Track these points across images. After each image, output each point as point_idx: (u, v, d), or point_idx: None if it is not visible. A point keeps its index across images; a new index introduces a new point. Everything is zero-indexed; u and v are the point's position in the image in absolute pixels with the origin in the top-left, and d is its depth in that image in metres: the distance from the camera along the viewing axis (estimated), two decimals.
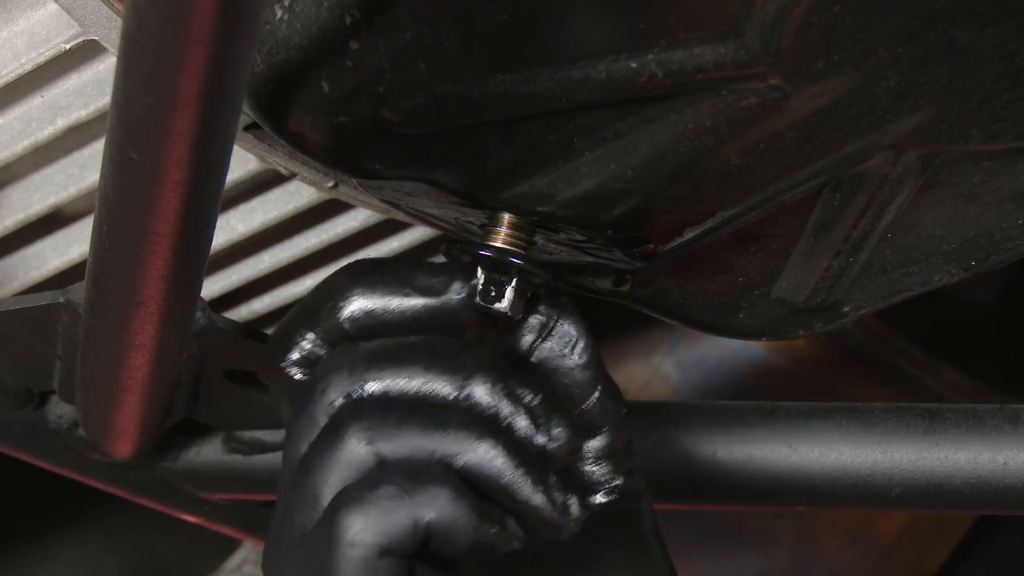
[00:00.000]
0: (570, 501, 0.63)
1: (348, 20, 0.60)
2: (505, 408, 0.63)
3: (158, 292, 0.64)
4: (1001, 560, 1.45)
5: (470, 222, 0.72)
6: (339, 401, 0.63)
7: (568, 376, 0.66)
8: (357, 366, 0.64)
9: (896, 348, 1.31)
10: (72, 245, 0.88)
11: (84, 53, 0.77)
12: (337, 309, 0.65)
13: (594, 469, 0.66)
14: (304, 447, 0.64)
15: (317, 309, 0.66)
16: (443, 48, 0.60)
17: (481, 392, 0.63)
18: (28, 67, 0.76)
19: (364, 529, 0.59)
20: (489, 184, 0.67)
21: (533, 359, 0.66)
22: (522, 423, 0.63)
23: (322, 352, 0.66)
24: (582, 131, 0.63)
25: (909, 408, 0.83)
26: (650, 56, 0.59)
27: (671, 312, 0.78)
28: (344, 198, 0.84)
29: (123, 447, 0.81)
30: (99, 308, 0.68)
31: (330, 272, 0.93)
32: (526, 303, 0.66)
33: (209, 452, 0.90)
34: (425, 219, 0.77)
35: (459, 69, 0.61)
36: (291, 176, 0.81)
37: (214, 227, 0.63)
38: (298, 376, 0.66)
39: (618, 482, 0.66)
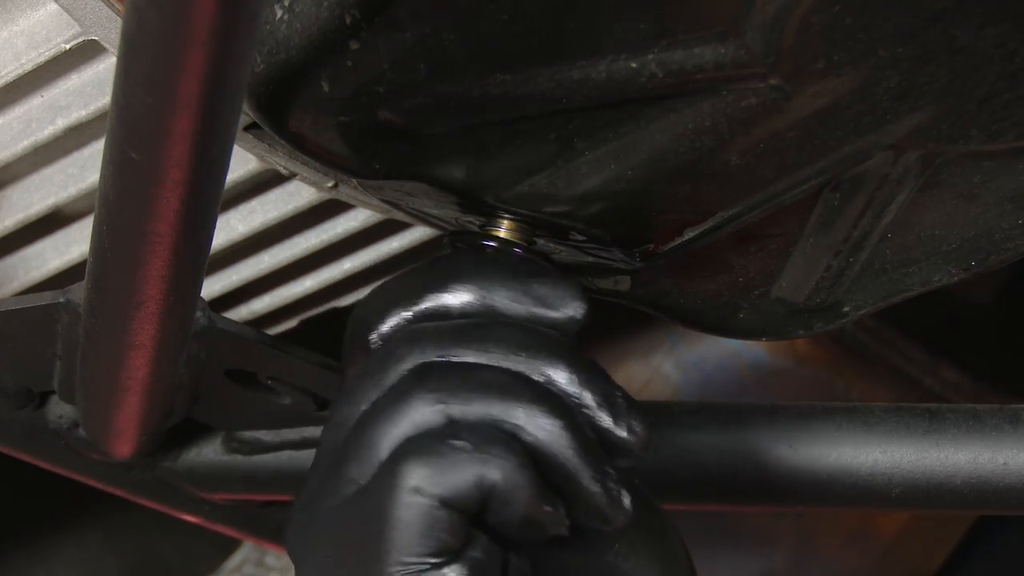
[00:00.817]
0: (623, 493, 0.63)
1: (348, 20, 0.60)
2: (589, 397, 0.63)
3: (158, 292, 0.64)
4: (1001, 560, 1.45)
5: (470, 222, 0.72)
6: (414, 366, 0.63)
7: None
8: (442, 339, 0.63)
9: (896, 348, 1.31)
10: (72, 245, 0.88)
11: (84, 53, 0.77)
12: (449, 295, 0.65)
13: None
14: (361, 407, 0.63)
15: (423, 290, 0.65)
16: (443, 48, 0.60)
17: (561, 376, 0.63)
18: (28, 67, 0.76)
19: (428, 477, 0.58)
20: (489, 184, 0.67)
21: None
22: (605, 415, 0.63)
23: None
24: (582, 131, 0.63)
25: (909, 408, 0.83)
26: (650, 56, 0.59)
27: (671, 312, 0.78)
28: (344, 198, 0.84)
29: (123, 447, 0.81)
30: (99, 308, 0.68)
31: (330, 272, 0.94)
32: None
33: (209, 452, 0.90)
34: (425, 219, 0.77)
35: (459, 69, 0.61)
36: (291, 176, 0.81)
37: (214, 227, 0.63)
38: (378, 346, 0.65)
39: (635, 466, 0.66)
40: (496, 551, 0.61)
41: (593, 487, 0.62)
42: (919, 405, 0.83)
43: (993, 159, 0.66)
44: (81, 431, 0.85)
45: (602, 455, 0.63)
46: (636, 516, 0.63)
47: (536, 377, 0.63)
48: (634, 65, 0.59)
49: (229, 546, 1.38)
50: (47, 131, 0.79)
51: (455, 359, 0.63)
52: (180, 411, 0.82)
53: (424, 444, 0.60)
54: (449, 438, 0.59)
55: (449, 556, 0.59)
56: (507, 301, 0.65)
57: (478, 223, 0.71)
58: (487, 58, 0.60)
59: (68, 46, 0.74)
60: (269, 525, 0.98)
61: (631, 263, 0.71)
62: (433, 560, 0.59)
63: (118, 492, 0.92)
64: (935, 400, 1.15)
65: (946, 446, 0.81)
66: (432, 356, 0.63)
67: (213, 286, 0.92)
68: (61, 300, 0.76)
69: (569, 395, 0.63)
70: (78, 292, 0.76)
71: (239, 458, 0.90)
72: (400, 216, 0.85)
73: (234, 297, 0.95)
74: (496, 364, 0.63)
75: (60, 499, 1.26)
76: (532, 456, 0.61)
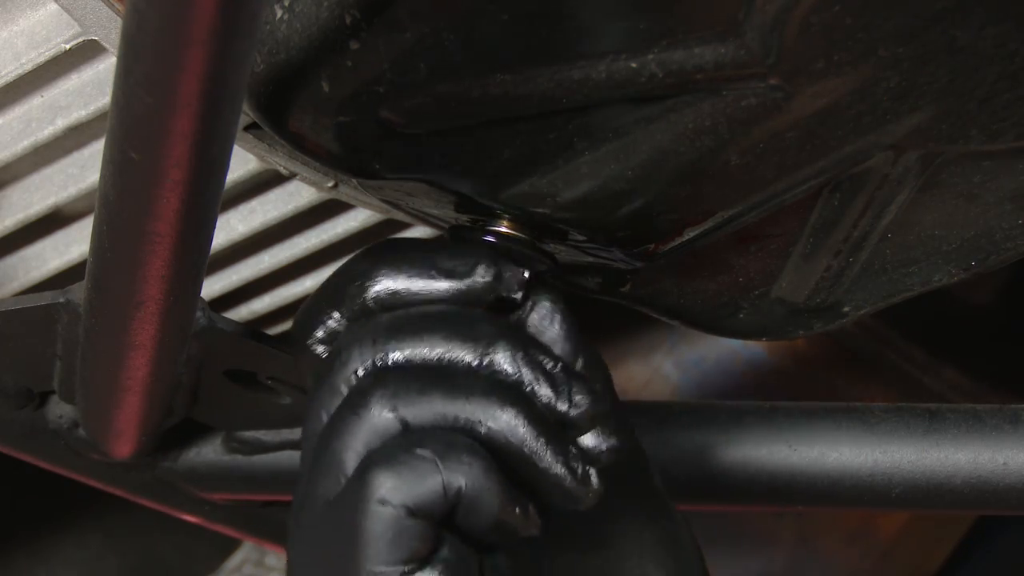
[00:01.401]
0: (590, 470, 0.63)
1: (348, 20, 0.60)
2: (527, 375, 0.63)
3: (158, 292, 0.64)
4: (1001, 560, 1.45)
5: (468, 222, 0.72)
6: (361, 370, 0.63)
7: (553, 346, 0.67)
8: (379, 336, 0.64)
9: (896, 348, 1.31)
10: (72, 245, 0.88)
11: (84, 53, 0.77)
12: (363, 289, 0.65)
13: (588, 437, 0.66)
14: (325, 418, 0.64)
15: (342, 289, 0.66)
16: (443, 48, 0.60)
17: (502, 358, 0.63)
18: (28, 67, 0.76)
19: (395, 488, 0.59)
20: (489, 184, 0.67)
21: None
22: (545, 390, 0.63)
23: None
24: (582, 131, 0.63)
25: (909, 408, 0.83)
26: (650, 56, 0.59)
27: (671, 312, 0.78)
28: (344, 198, 0.84)
29: (123, 447, 0.81)
30: (99, 308, 0.68)
31: (330, 272, 0.94)
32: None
33: (209, 452, 0.90)
34: (425, 219, 0.77)
35: (459, 69, 0.61)
36: (291, 176, 0.81)
37: (214, 227, 0.63)
38: (322, 352, 0.66)
39: (613, 442, 0.66)
40: (467, 552, 0.61)
41: (556, 468, 0.62)
42: (919, 405, 0.83)
43: (993, 159, 0.66)
44: (81, 431, 0.85)
45: (560, 434, 0.63)
46: (601, 493, 0.63)
47: (480, 361, 0.63)
48: (634, 65, 0.59)
49: (229, 546, 1.38)
50: (47, 131, 0.79)
51: (398, 354, 0.63)
52: (180, 411, 0.82)
53: (387, 454, 0.60)
54: (412, 446, 0.60)
55: (419, 563, 0.60)
56: (421, 282, 0.65)
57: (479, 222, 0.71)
58: (487, 58, 0.60)
59: (68, 46, 0.74)
60: (269, 525, 0.98)
61: (631, 263, 0.71)
62: (404, 568, 0.59)
63: (118, 492, 0.92)
64: (935, 400, 1.15)
65: (946, 446, 0.81)
66: (372, 356, 0.63)
67: (213, 286, 0.92)
68: (61, 300, 0.76)
69: (511, 376, 0.63)
70: (78, 292, 0.76)
71: (239, 458, 0.90)
72: (400, 216, 0.85)
73: (234, 297, 0.95)
74: (438, 356, 0.63)
75: (60, 499, 1.27)
76: (491, 446, 0.61)
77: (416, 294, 0.65)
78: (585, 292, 0.78)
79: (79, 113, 0.78)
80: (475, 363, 0.63)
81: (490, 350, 0.63)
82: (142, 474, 0.90)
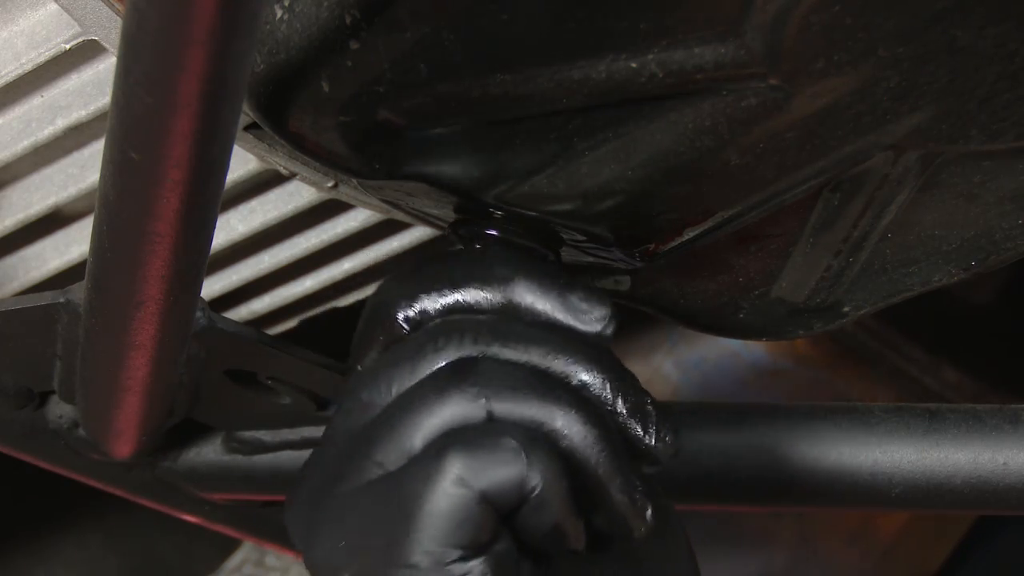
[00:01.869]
0: (648, 505, 0.64)
1: (348, 20, 0.60)
2: (617, 400, 0.64)
3: (158, 292, 0.64)
4: (1001, 560, 1.45)
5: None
6: (452, 359, 0.63)
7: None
8: (481, 334, 0.63)
9: (896, 348, 1.31)
10: (72, 245, 0.88)
11: (84, 53, 0.77)
12: (484, 287, 0.65)
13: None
14: (392, 392, 0.63)
15: (462, 279, 0.65)
16: (443, 48, 0.60)
17: (598, 382, 0.63)
18: (28, 67, 0.76)
19: (473, 470, 0.59)
20: (489, 184, 0.67)
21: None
22: (636, 426, 0.64)
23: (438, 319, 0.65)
24: (582, 131, 0.63)
25: (909, 408, 0.83)
26: (650, 56, 0.59)
27: (671, 312, 0.78)
28: (344, 198, 0.84)
29: (123, 447, 0.81)
30: (99, 308, 0.68)
31: (330, 272, 0.94)
32: None
33: (209, 452, 0.90)
34: (425, 219, 0.77)
35: (459, 69, 0.61)
36: (291, 176, 0.81)
37: (214, 227, 0.63)
38: (406, 329, 0.65)
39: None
40: (515, 554, 0.61)
41: (620, 497, 0.63)
42: (919, 405, 0.83)
43: (993, 159, 0.66)
44: (81, 431, 0.85)
45: (629, 464, 0.64)
46: (656, 526, 0.64)
47: (573, 381, 0.63)
48: (634, 65, 0.59)
49: (229, 546, 1.38)
50: (47, 131, 0.79)
51: (495, 356, 0.63)
52: (180, 411, 0.82)
53: (469, 437, 0.60)
54: (495, 435, 0.59)
55: (476, 550, 0.59)
56: (540, 307, 0.65)
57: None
58: (487, 58, 0.60)
59: (68, 46, 0.74)
60: (269, 525, 0.98)
61: (631, 263, 0.71)
62: (460, 552, 0.59)
63: (118, 492, 0.92)
64: (935, 400, 1.15)
65: (946, 446, 0.81)
66: (470, 351, 0.63)
67: (213, 286, 0.92)
68: (61, 300, 0.76)
69: (603, 401, 0.64)
70: (78, 292, 0.76)
71: (239, 458, 0.90)
72: (400, 216, 0.85)
73: (234, 297, 0.95)
74: (536, 363, 0.63)
75: (60, 499, 1.27)
76: (567, 457, 0.61)
77: (539, 314, 0.65)
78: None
79: (79, 113, 0.78)
80: (570, 380, 0.63)
81: (586, 371, 0.64)
82: (142, 474, 0.90)
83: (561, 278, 0.66)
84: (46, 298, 0.77)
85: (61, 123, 0.79)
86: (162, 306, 0.65)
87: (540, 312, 0.65)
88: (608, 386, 0.64)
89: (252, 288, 0.94)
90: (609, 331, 0.66)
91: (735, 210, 0.68)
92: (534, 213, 0.68)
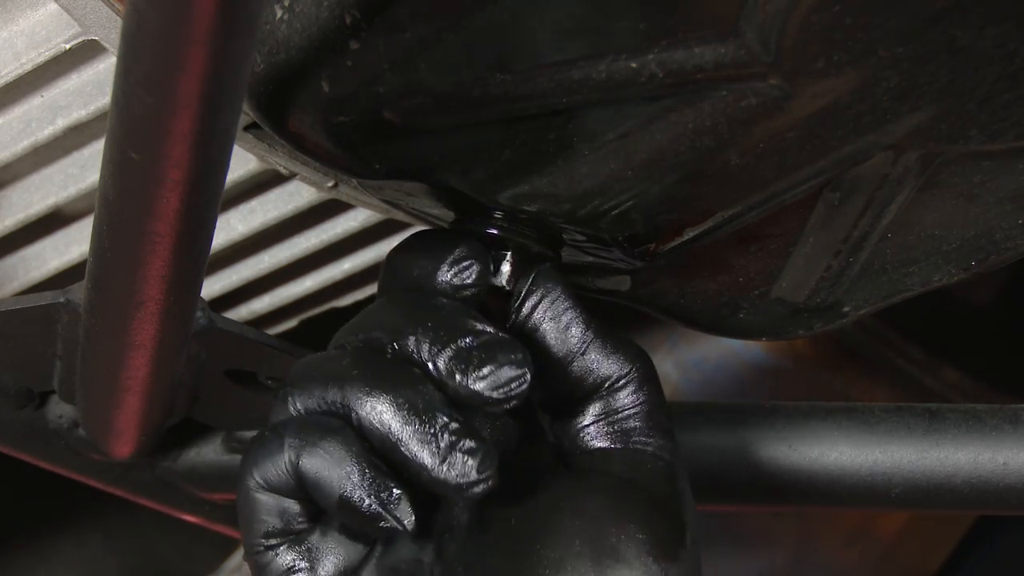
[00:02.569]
0: (468, 460, 0.61)
1: (348, 20, 0.60)
2: (441, 362, 0.63)
3: (158, 292, 0.64)
4: (1001, 560, 1.45)
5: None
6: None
7: (550, 334, 0.68)
8: (343, 332, 0.67)
9: (896, 348, 1.31)
10: (72, 245, 0.88)
11: (84, 53, 0.77)
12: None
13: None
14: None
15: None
16: (443, 48, 0.60)
17: (413, 344, 0.64)
18: (28, 67, 0.76)
19: (251, 464, 0.64)
20: (489, 184, 0.67)
21: (528, 323, 0.68)
22: (456, 377, 0.62)
23: None
24: (582, 131, 0.63)
25: (909, 408, 0.83)
26: (650, 56, 0.59)
27: (671, 312, 0.78)
28: (344, 198, 0.84)
29: (123, 447, 0.81)
30: (99, 308, 0.68)
31: (330, 272, 0.94)
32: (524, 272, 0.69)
33: (209, 452, 0.90)
34: (425, 219, 0.77)
35: (459, 69, 0.61)
36: (291, 176, 0.81)
37: (214, 227, 0.63)
38: None
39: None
40: (337, 539, 0.66)
41: (419, 456, 0.61)
42: (919, 405, 0.83)
43: (993, 159, 0.66)
44: (81, 431, 0.85)
45: (440, 420, 0.61)
46: (487, 483, 0.61)
47: (388, 350, 0.64)
48: (634, 65, 0.59)
49: (229, 546, 1.38)
50: (47, 131, 0.79)
51: (341, 345, 0.66)
52: (180, 411, 0.82)
53: (259, 437, 0.64)
54: (275, 430, 0.64)
55: (283, 540, 0.65)
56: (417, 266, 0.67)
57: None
58: (487, 58, 0.60)
59: (68, 46, 0.74)
60: None
61: (631, 263, 0.71)
62: (267, 542, 0.65)
63: (118, 492, 0.92)
64: (935, 400, 1.15)
65: (946, 446, 0.81)
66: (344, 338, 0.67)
67: (213, 286, 0.92)
68: (61, 300, 0.76)
69: (414, 361, 0.63)
70: (78, 292, 0.76)
71: (239, 458, 0.89)
72: (400, 216, 0.85)
73: (234, 297, 0.95)
74: (357, 340, 0.65)
75: (60, 499, 1.26)
76: (366, 434, 0.62)
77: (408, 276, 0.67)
78: (585, 292, 0.78)
79: (79, 113, 0.78)
80: (386, 346, 0.64)
81: (402, 335, 0.64)
82: (142, 474, 0.90)
83: (429, 237, 0.69)
84: (46, 298, 0.77)
85: (61, 123, 0.79)
86: (162, 306, 0.65)
87: (405, 275, 0.68)
88: (414, 340, 0.63)
89: (252, 288, 0.94)
90: (468, 278, 0.66)
91: (735, 210, 0.68)
92: (534, 213, 0.68)
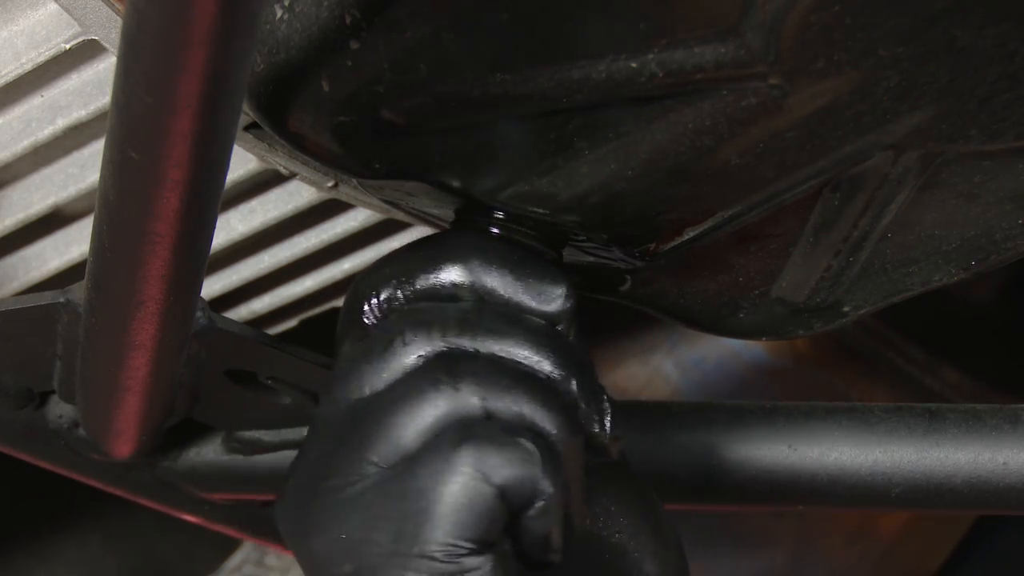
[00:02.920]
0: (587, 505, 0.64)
1: (348, 20, 0.60)
2: (584, 402, 0.64)
3: (158, 292, 0.64)
4: (1001, 560, 1.45)
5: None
6: (426, 356, 0.63)
7: None
8: (448, 325, 0.63)
9: (896, 348, 1.31)
10: (72, 245, 0.88)
11: (84, 53, 0.77)
12: (441, 270, 0.65)
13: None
14: (366, 390, 0.63)
15: (418, 266, 0.65)
16: (443, 48, 0.60)
17: (565, 378, 0.63)
18: (28, 67, 0.76)
19: (493, 467, 0.59)
20: (489, 184, 0.67)
21: None
22: (595, 421, 0.65)
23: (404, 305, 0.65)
24: (582, 131, 0.63)
25: (909, 408, 0.83)
26: (650, 56, 0.59)
27: (671, 312, 0.78)
28: (344, 198, 0.84)
29: (123, 447, 0.81)
30: (99, 308, 0.68)
31: (330, 272, 0.94)
32: None
33: (209, 452, 0.90)
34: (425, 219, 0.77)
35: (459, 69, 0.61)
36: (291, 176, 0.81)
37: (214, 227, 0.63)
38: (371, 323, 0.65)
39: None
40: (514, 557, 0.62)
41: (580, 507, 0.63)
42: (919, 405, 0.83)
43: (993, 159, 0.66)
44: (81, 431, 0.85)
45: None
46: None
47: (540, 376, 0.63)
48: (634, 65, 0.59)
49: (229, 546, 1.38)
50: (47, 131, 0.79)
51: (467, 348, 0.63)
52: (180, 411, 0.82)
53: (487, 434, 0.60)
54: (509, 433, 0.60)
55: (485, 547, 0.59)
56: (498, 286, 0.65)
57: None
58: (487, 58, 0.60)
59: (68, 46, 0.74)
60: (269, 525, 0.98)
61: (631, 263, 0.71)
62: (472, 546, 0.59)
63: (118, 492, 0.92)
64: (935, 400, 1.15)
65: (946, 446, 0.81)
66: (439, 344, 0.63)
67: (213, 286, 0.92)
68: (61, 300, 0.76)
69: (565, 394, 0.63)
70: (78, 292, 0.76)
71: (239, 458, 0.90)
72: (400, 216, 0.85)
73: (234, 297, 0.95)
74: (523, 359, 0.63)
75: (60, 499, 1.26)
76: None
77: (493, 297, 0.65)
78: (585, 292, 0.78)
79: (79, 113, 0.78)
80: (557, 381, 0.63)
81: (555, 367, 0.63)
82: (142, 474, 0.90)
83: (516, 255, 0.66)
84: (46, 298, 0.77)
85: (61, 123, 0.79)
86: (162, 306, 0.65)
87: (499, 294, 0.65)
88: (573, 381, 0.64)
89: (252, 288, 0.94)
90: (568, 307, 0.66)
91: (735, 210, 0.68)
92: (534, 213, 0.68)
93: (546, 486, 0.59)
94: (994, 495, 0.81)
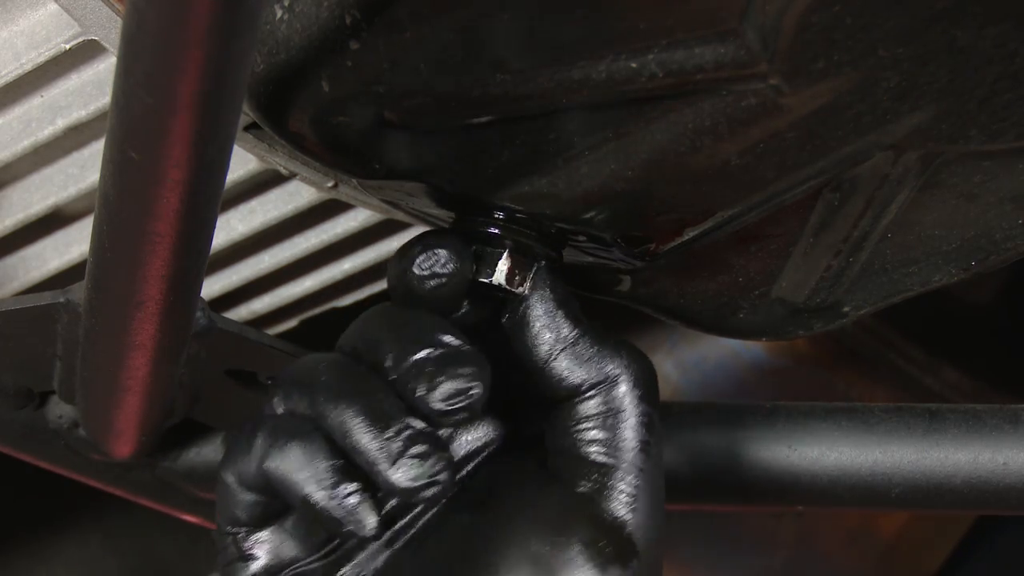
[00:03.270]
0: (418, 463, 0.63)
1: (348, 20, 0.60)
2: (404, 374, 0.65)
3: (158, 292, 0.64)
4: (1001, 560, 1.45)
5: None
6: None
7: (537, 335, 0.69)
8: (342, 338, 0.68)
9: (896, 348, 1.31)
10: (72, 245, 0.88)
11: (84, 53, 0.77)
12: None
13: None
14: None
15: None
16: (443, 48, 0.60)
17: (385, 354, 0.65)
18: (28, 67, 0.76)
19: (226, 459, 0.67)
20: (489, 184, 0.67)
21: (518, 323, 0.69)
22: (416, 386, 0.64)
23: None
24: (582, 131, 0.63)
25: (909, 408, 0.83)
26: (650, 56, 0.59)
27: (671, 312, 0.78)
28: (344, 198, 0.84)
29: (123, 447, 0.81)
30: (99, 308, 0.68)
31: (330, 272, 0.94)
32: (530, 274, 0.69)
33: (209, 452, 0.90)
34: (425, 219, 0.77)
35: (459, 69, 0.61)
36: (291, 176, 0.81)
37: (214, 227, 0.63)
38: None
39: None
40: (294, 535, 0.68)
41: (376, 460, 0.63)
42: (919, 405, 0.83)
43: (993, 159, 0.66)
44: (81, 431, 0.85)
45: (395, 424, 0.63)
46: (447, 485, 0.64)
47: (354, 356, 0.66)
48: (634, 65, 0.59)
49: None
50: (47, 131, 0.79)
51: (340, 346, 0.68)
52: (180, 411, 0.82)
53: (238, 432, 0.67)
54: (248, 432, 0.66)
55: (242, 530, 0.68)
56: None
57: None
58: (487, 58, 0.60)
59: (68, 46, 0.74)
60: None
61: (631, 263, 0.71)
62: (231, 529, 0.68)
63: (118, 492, 0.92)
64: (935, 400, 1.15)
65: (946, 446, 0.81)
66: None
67: (213, 286, 0.92)
68: (61, 300, 0.76)
69: (386, 373, 0.65)
70: (78, 292, 0.76)
71: None
72: (400, 216, 0.85)
73: (234, 297, 0.95)
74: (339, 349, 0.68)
75: (60, 499, 1.26)
76: (334, 439, 0.64)
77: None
78: (585, 292, 0.78)
79: (79, 113, 0.78)
80: (365, 358, 0.66)
81: (361, 339, 0.67)
82: (142, 474, 0.90)
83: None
84: (46, 298, 0.77)
85: (61, 123, 0.79)
86: (162, 306, 0.65)
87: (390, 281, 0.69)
88: (388, 356, 0.65)
89: (252, 288, 0.94)
90: (431, 267, 0.68)
91: (735, 210, 0.68)
92: (534, 213, 0.68)
93: (266, 462, 0.65)
94: (994, 495, 0.81)
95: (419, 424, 0.64)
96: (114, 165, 0.58)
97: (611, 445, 0.68)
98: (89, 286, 0.68)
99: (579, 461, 0.68)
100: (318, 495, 0.63)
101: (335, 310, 0.99)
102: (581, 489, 0.67)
